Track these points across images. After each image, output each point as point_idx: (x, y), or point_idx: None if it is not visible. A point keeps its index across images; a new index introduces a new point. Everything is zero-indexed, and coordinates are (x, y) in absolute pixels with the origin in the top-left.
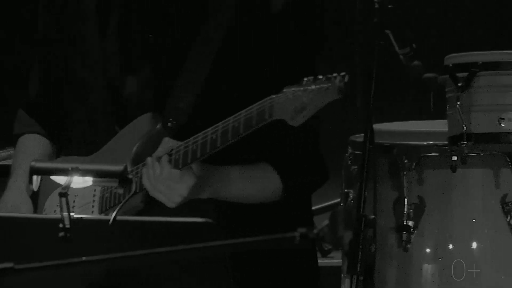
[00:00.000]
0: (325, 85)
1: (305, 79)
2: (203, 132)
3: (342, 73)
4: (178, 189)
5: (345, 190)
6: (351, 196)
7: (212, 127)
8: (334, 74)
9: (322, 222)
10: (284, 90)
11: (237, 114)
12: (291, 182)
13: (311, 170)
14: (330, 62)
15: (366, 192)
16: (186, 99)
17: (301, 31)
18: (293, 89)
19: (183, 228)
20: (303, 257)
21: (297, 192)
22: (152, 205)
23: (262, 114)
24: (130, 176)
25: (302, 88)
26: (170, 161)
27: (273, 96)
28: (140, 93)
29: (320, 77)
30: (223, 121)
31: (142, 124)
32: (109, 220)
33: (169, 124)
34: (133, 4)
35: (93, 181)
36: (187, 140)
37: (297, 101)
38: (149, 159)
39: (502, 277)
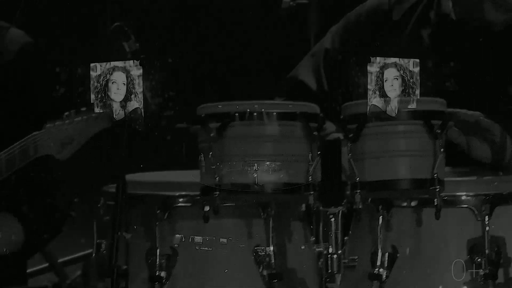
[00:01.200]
0: (94, 115)
1: (66, 113)
2: None
3: (108, 102)
4: None
5: (98, 241)
6: (103, 247)
7: None
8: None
9: (75, 272)
10: (46, 125)
11: None
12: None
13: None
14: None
15: (118, 243)
16: None
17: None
18: (57, 123)
19: None
20: None
21: (36, 241)
22: None
23: (26, 151)
24: None
25: (67, 121)
26: None
27: (35, 133)
28: None
29: (83, 109)
30: None
31: None
32: None
33: None
34: None
35: None
36: None
37: (61, 134)
38: None
39: None
